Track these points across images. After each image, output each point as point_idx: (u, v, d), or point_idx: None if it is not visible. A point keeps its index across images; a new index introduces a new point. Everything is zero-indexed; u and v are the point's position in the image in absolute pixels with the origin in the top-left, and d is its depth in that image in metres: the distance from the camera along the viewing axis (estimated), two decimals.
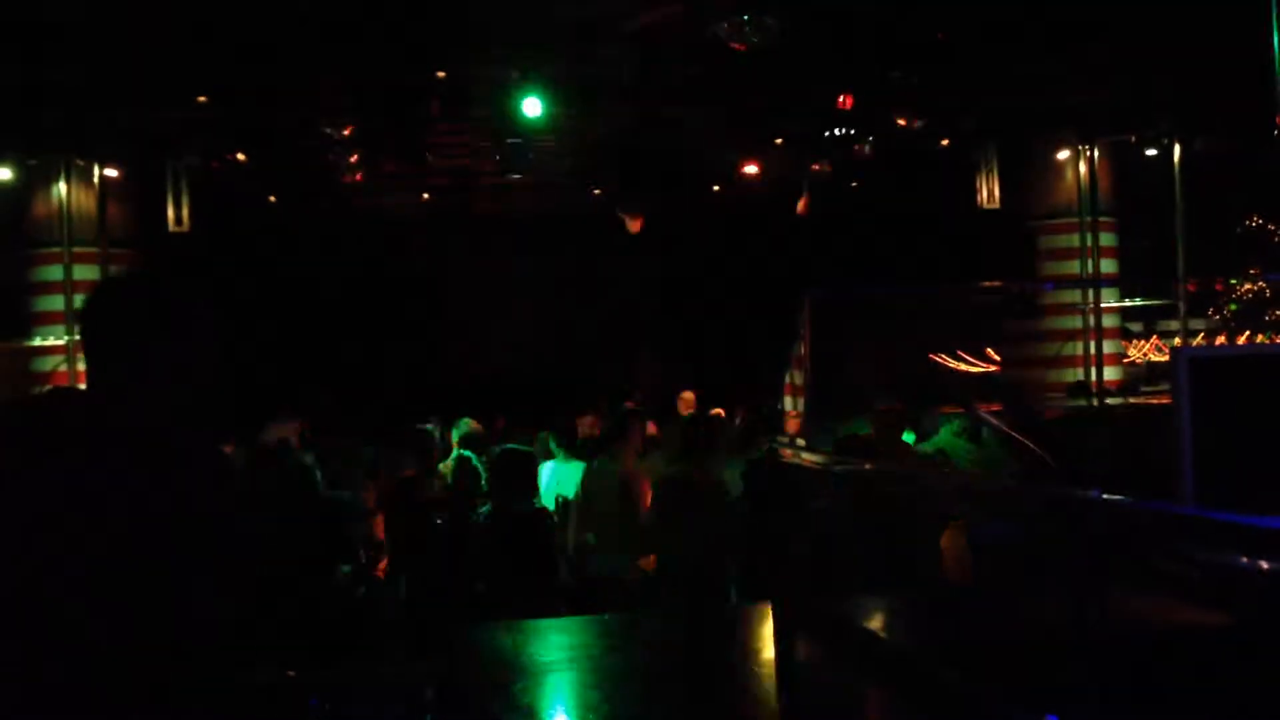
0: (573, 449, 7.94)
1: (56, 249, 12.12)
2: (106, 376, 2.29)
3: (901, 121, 10.62)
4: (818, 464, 3.57)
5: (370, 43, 9.36)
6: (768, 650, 2.99)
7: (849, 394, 8.13)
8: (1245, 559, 1.15)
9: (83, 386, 2.38)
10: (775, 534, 3.07)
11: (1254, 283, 13.75)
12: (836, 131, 11.71)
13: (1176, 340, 13.69)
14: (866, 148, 11.72)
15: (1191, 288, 13.49)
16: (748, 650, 3.31)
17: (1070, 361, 13.26)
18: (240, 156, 11.81)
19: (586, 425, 8.99)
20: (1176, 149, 12.41)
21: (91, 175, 12.20)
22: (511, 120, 10.56)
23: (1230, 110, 10.90)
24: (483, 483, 6.29)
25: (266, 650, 4.19)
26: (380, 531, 6.52)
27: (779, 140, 12.30)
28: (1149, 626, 2.41)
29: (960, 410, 6.80)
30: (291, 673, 4.08)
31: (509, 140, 10.94)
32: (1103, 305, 13.34)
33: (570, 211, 14.95)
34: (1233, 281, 13.80)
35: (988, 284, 13.04)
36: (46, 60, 9.65)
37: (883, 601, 3.51)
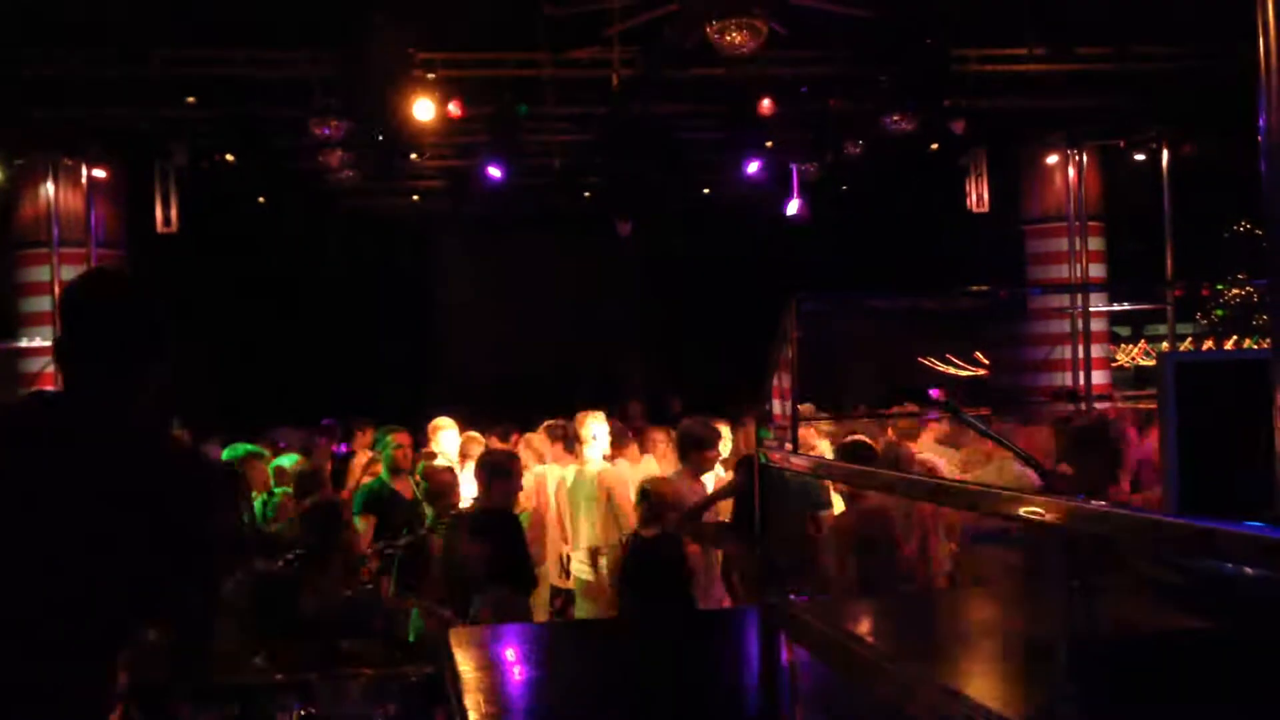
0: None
1: (44, 249, 12.05)
2: (86, 378, 2.28)
3: (891, 125, 10.64)
4: (805, 467, 3.57)
5: (360, 41, 9.36)
6: (754, 654, 2.99)
7: (837, 397, 8.14)
8: (1230, 565, 1.14)
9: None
10: (761, 537, 3.06)
11: (1241, 288, 13.81)
12: (826, 134, 11.75)
13: (1164, 345, 13.74)
14: (856, 150, 11.74)
15: (1179, 293, 13.53)
16: (736, 654, 3.30)
17: (1058, 365, 13.29)
18: (229, 157, 11.78)
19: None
20: (1165, 154, 12.46)
21: (79, 175, 12.13)
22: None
23: (1217, 114, 10.95)
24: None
25: (254, 651, 4.18)
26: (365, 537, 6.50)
27: (769, 143, 12.31)
28: (1134, 632, 2.41)
29: (947, 414, 6.80)
30: (279, 675, 4.07)
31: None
32: (1091, 309, 13.37)
33: (560, 213, 14.94)
34: (1220, 286, 13.86)
35: (976, 288, 13.06)
36: (34, 59, 9.62)
37: (868, 605, 3.51)
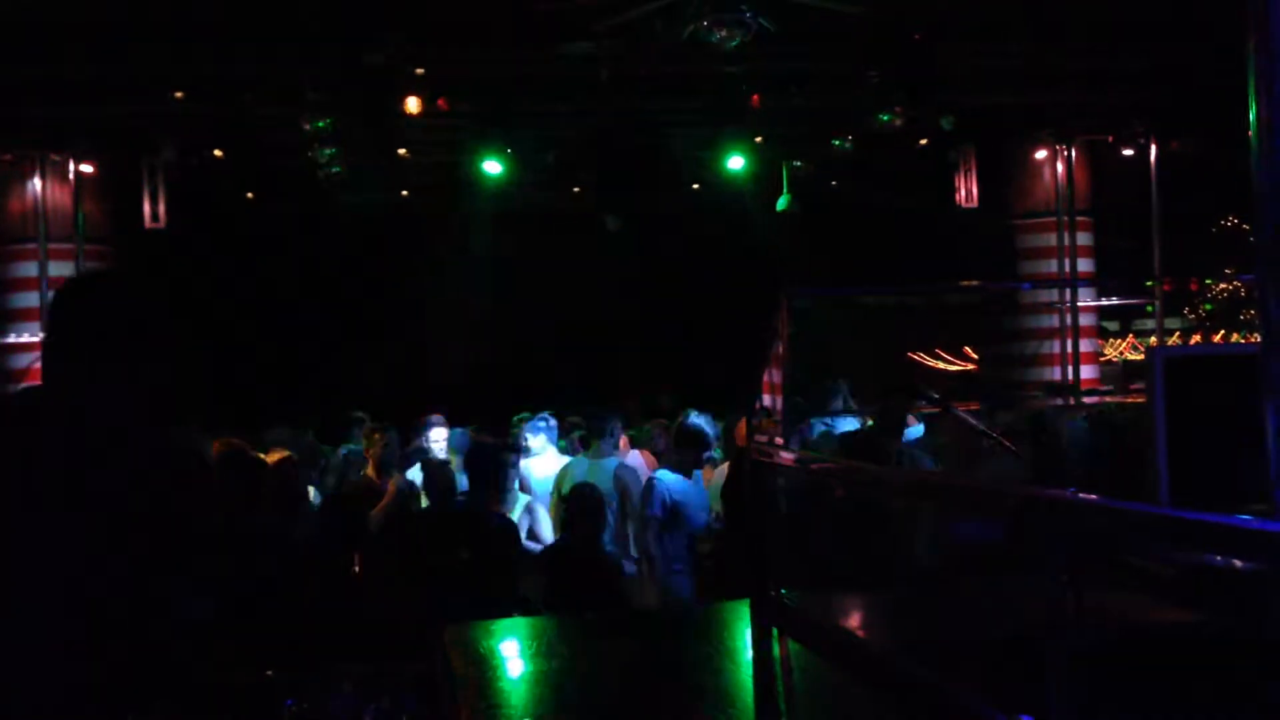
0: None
1: (31, 245, 12.02)
2: (65, 376, 2.27)
3: (880, 121, 10.66)
4: (796, 462, 3.57)
5: (350, 38, 9.34)
6: (746, 649, 3.00)
7: (826, 393, 8.17)
8: (1219, 558, 1.15)
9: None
10: (753, 532, 3.07)
11: (1229, 282, 13.87)
12: (816, 130, 11.77)
13: (1152, 339, 13.79)
14: (846, 146, 11.76)
15: (1168, 287, 13.59)
16: (727, 649, 3.31)
17: (1047, 360, 13.33)
18: (217, 153, 11.74)
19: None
20: (1153, 149, 12.50)
21: (67, 171, 12.09)
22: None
23: (1206, 111, 10.99)
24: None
25: (244, 649, 4.18)
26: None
27: (759, 139, 12.32)
28: (1124, 625, 2.43)
29: (938, 409, 6.82)
30: (269, 672, 4.07)
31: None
32: (1080, 304, 13.41)
33: (550, 209, 14.93)
34: (1208, 281, 13.92)
35: (966, 283, 13.09)
36: (21, 55, 9.58)
37: (860, 600, 3.52)
